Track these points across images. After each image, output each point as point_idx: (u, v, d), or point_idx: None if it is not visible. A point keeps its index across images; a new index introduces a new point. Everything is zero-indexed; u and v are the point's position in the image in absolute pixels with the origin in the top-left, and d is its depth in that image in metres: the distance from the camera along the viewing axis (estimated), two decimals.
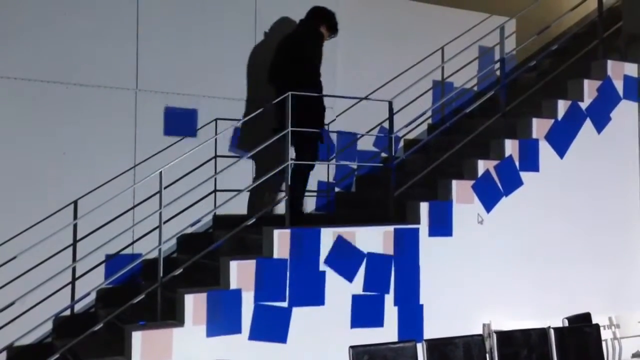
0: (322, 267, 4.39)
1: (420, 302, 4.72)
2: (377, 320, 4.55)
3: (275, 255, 4.27)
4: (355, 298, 4.48)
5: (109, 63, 5.27)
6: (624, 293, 5.73)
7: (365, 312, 4.51)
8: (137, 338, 3.80)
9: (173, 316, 4.10)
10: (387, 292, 4.58)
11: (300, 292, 4.29)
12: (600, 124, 5.65)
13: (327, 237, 4.43)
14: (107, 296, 5.11)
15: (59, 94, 5.08)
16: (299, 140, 4.97)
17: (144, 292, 4.33)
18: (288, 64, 5.24)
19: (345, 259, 4.46)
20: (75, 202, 5.05)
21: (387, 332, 4.53)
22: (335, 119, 6.21)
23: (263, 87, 5.58)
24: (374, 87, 6.46)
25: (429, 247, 4.78)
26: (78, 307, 5.06)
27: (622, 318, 5.58)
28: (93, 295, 5.09)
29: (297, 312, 4.28)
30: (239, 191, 4.97)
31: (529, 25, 6.81)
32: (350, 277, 4.47)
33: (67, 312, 4.97)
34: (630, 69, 5.87)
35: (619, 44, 6.16)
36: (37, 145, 4.99)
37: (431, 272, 4.77)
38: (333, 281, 4.41)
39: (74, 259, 4.98)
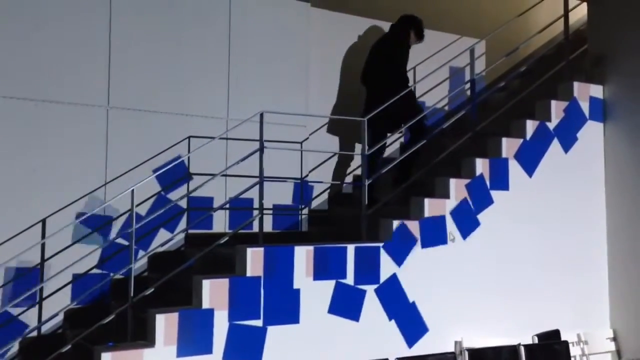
0: (297, 284, 4.37)
1: (391, 320, 4.73)
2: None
3: (249, 274, 4.24)
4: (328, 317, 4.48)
5: (80, 80, 5.21)
6: (593, 309, 5.82)
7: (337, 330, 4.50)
8: (107, 359, 3.72)
9: (144, 336, 4.03)
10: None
11: (274, 310, 4.26)
12: (567, 144, 5.78)
13: (301, 255, 4.42)
14: (75, 317, 4.99)
15: (28, 111, 4.99)
16: (414, 124, 5.58)
17: (114, 312, 4.25)
18: (381, 65, 5.94)
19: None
20: (43, 220, 4.96)
21: (359, 350, 4.52)
22: (308, 138, 6.24)
23: (238, 103, 5.59)
24: (346, 105, 6.52)
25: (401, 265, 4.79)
26: (45, 328, 4.94)
27: (590, 335, 5.67)
28: (61, 316, 4.97)
29: (272, 330, 4.25)
30: (213, 209, 4.94)
31: (498, 47, 6.97)
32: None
33: (34, 334, 4.85)
34: (596, 90, 6.02)
35: (584, 66, 6.33)
36: (6, 162, 4.89)
37: (403, 290, 4.79)
38: (308, 299, 4.40)
39: (41, 279, 4.87)
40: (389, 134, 6.00)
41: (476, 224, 5.16)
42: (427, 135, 5.61)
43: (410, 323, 4.79)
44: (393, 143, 6.85)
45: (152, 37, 5.56)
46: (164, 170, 4.84)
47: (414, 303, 4.82)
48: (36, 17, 5.07)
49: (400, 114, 5.53)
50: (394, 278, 4.74)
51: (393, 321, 4.72)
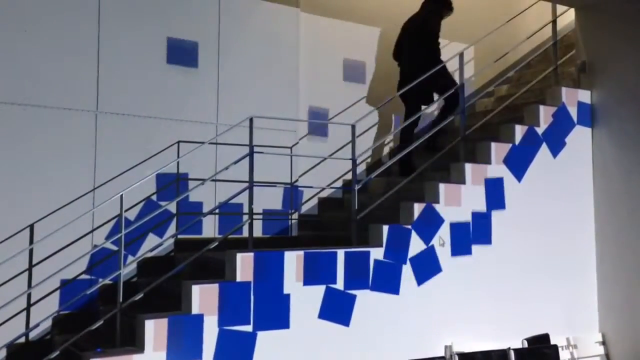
0: (287, 289, 4.36)
1: (383, 325, 4.73)
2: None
3: (239, 279, 4.23)
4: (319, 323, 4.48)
5: (68, 84, 5.18)
6: (581, 313, 5.86)
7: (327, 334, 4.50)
8: None
9: (133, 342, 4.00)
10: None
11: (264, 315, 4.25)
12: (555, 149, 5.82)
13: (291, 260, 4.41)
14: (64, 322, 4.95)
15: (16, 116, 4.96)
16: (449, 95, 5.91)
17: (103, 318, 4.22)
18: (414, 39, 6.23)
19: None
20: (31, 226, 4.92)
21: (349, 355, 4.52)
22: (298, 142, 6.24)
23: (228, 108, 5.57)
24: (336, 110, 6.53)
25: (391, 269, 4.80)
26: (33, 334, 4.90)
27: (579, 339, 5.70)
28: (49, 322, 4.93)
29: (262, 336, 4.23)
30: (202, 214, 4.92)
31: (487, 53, 7.01)
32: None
33: (22, 340, 4.81)
34: (584, 95, 6.07)
35: (572, 71, 6.39)
36: None
37: (392, 295, 4.79)
38: (298, 304, 4.39)
39: (29, 285, 4.83)
40: (423, 107, 6.20)
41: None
42: (460, 106, 5.82)
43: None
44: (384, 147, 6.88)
45: (140, 41, 5.54)
46: (152, 174, 4.83)
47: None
48: (24, 22, 5.03)
49: (434, 86, 5.92)
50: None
51: (383, 326, 4.72)
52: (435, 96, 6.28)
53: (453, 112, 6.02)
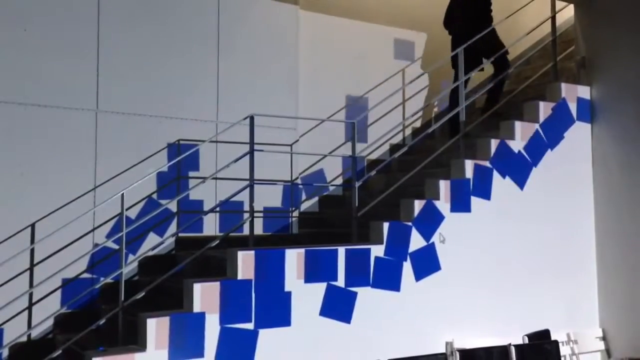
0: (288, 287, 4.37)
1: (384, 322, 4.74)
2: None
3: (240, 277, 4.23)
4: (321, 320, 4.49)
5: (68, 83, 5.19)
6: (582, 309, 5.87)
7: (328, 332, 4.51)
8: None
9: (135, 341, 4.01)
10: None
11: (266, 313, 4.26)
12: (553, 143, 5.81)
13: (292, 257, 4.42)
14: (66, 321, 4.96)
15: (16, 115, 4.96)
16: (498, 58, 6.31)
17: (105, 316, 4.23)
18: (466, 5, 6.46)
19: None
20: (32, 225, 4.93)
21: (351, 352, 4.53)
22: (298, 140, 6.24)
23: (228, 106, 5.57)
24: (336, 108, 6.53)
25: (392, 267, 4.80)
26: (35, 333, 4.91)
27: (580, 334, 5.71)
28: (51, 321, 4.94)
29: (263, 333, 4.25)
30: (203, 212, 4.93)
31: None
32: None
33: (24, 339, 4.82)
34: (583, 91, 6.07)
35: (572, 67, 6.38)
36: None
37: (393, 292, 4.80)
38: (299, 302, 4.40)
39: (31, 284, 4.84)
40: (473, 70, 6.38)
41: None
42: (509, 68, 6.31)
43: None
44: (383, 145, 6.88)
45: (140, 39, 5.54)
46: (153, 173, 4.83)
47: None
48: (24, 21, 5.03)
49: (483, 51, 6.18)
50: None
51: (384, 323, 4.73)
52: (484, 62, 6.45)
53: (502, 74, 6.36)
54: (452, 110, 5.90)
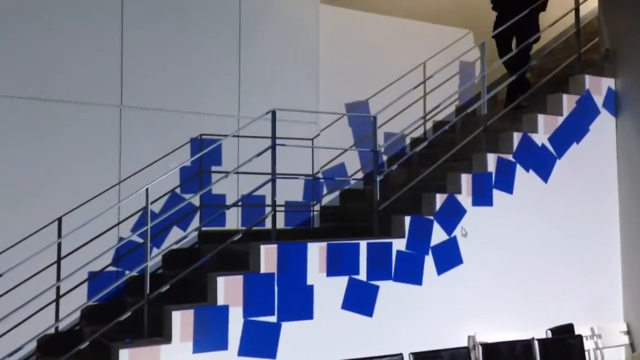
0: (310, 281, 4.40)
1: (406, 315, 4.75)
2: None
3: (263, 270, 4.28)
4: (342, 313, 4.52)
5: (93, 79, 5.27)
6: (606, 303, 5.81)
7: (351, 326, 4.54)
8: (125, 356, 3.79)
9: (160, 333, 4.08)
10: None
11: (288, 306, 4.30)
12: (579, 136, 5.75)
13: (314, 251, 4.45)
14: (92, 313, 5.05)
15: (42, 111, 5.05)
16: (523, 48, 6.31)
17: (130, 309, 4.30)
18: None
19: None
20: (59, 219, 5.02)
21: (373, 346, 4.55)
22: (319, 134, 6.26)
23: (249, 101, 5.60)
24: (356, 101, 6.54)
25: (414, 260, 4.81)
26: (62, 325, 5.01)
27: (603, 328, 5.66)
28: (77, 313, 5.03)
29: (286, 326, 4.29)
30: (226, 207, 4.98)
31: None
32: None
33: (52, 331, 4.92)
34: (608, 83, 5.99)
35: (596, 59, 6.30)
36: (20, 162, 4.95)
37: (415, 286, 4.81)
38: (321, 295, 4.43)
39: (58, 277, 4.93)
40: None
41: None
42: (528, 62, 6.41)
43: None
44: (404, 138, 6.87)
45: (163, 36, 5.60)
46: (176, 168, 4.89)
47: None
48: (49, 18, 5.12)
49: (523, 32, 6.26)
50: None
51: (406, 316, 4.74)
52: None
53: (522, 69, 6.28)
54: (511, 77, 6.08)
